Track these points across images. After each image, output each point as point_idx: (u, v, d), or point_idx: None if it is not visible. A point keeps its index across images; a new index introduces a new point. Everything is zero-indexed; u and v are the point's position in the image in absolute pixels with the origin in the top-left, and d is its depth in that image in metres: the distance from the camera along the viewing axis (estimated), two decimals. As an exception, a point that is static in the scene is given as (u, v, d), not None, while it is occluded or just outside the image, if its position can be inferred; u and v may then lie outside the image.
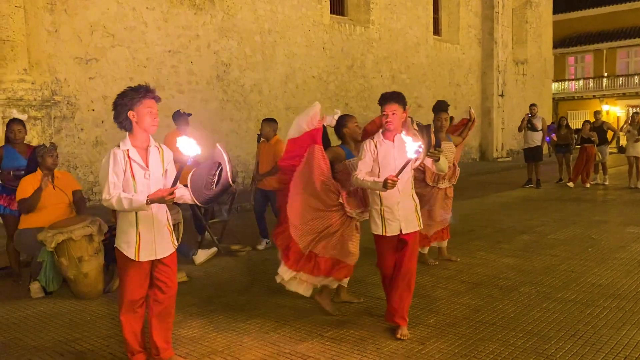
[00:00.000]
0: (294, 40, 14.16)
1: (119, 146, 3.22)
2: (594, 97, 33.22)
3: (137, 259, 3.24)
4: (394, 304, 3.86)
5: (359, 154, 3.94)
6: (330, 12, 15.34)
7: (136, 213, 3.21)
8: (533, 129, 11.84)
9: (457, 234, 7.13)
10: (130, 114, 3.17)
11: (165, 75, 11.58)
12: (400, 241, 3.86)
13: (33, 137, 8.96)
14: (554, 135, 13.27)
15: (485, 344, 3.70)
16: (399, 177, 3.48)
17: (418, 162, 3.82)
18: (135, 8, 11.02)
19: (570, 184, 12.24)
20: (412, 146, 3.29)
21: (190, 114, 7.19)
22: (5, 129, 8.94)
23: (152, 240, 3.27)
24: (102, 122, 10.53)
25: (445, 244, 5.95)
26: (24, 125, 5.90)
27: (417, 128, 4.07)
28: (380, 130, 3.86)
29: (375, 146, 3.81)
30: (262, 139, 7.02)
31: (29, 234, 4.98)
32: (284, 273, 4.19)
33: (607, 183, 12.40)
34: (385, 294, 4.04)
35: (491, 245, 6.60)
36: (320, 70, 14.87)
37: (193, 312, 4.44)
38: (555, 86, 33.53)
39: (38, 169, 5.17)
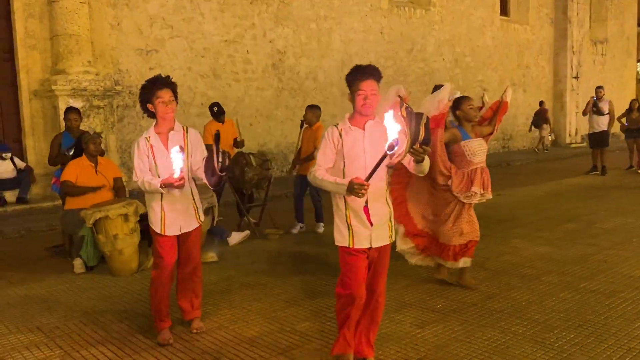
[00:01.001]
0: (350, 26, 14.13)
1: (143, 134, 3.65)
2: (686, 77, 30.67)
3: (163, 233, 3.60)
4: (361, 337, 3.17)
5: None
6: (391, -4, 15.18)
7: (161, 193, 3.56)
8: (599, 112, 11.22)
9: (498, 222, 6.99)
10: (148, 106, 3.54)
11: (221, 65, 11.96)
12: (370, 257, 3.05)
13: (96, 125, 9.59)
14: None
15: (485, 331, 3.66)
16: (369, 181, 2.70)
17: (397, 159, 2.77)
18: (192, 0, 11.44)
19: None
20: (391, 133, 2.56)
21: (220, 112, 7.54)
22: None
23: (177, 216, 3.63)
24: (162, 110, 11.05)
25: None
26: (80, 114, 6.42)
27: (405, 115, 2.61)
28: (347, 115, 3.04)
29: (340, 135, 2.97)
30: (305, 125, 7.16)
31: (72, 214, 5.42)
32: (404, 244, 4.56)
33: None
34: (345, 324, 3.08)
35: (530, 234, 6.40)
36: (378, 56, 14.75)
37: (211, 289, 4.68)
38: (642, 66, 31.33)
39: (83, 154, 5.59)
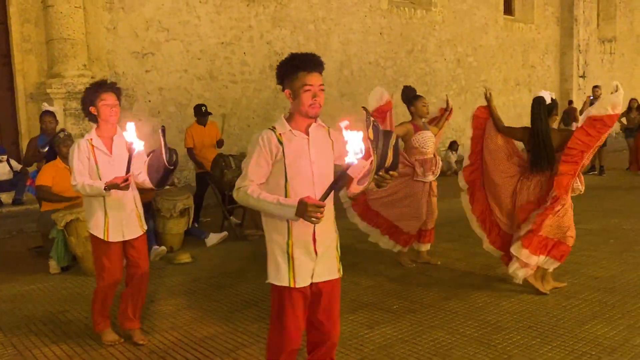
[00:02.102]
0: (349, 26, 14.14)
1: (84, 137, 3.58)
2: (702, 75, 30.10)
3: (106, 239, 3.53)
4: None
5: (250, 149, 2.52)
6: (390, -4, 15.17)
7: (104, 197, 3.50)
8: (596, 112, 11.08)
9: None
10: (91, 109, 3.51)
11: (218, 67, 12.04)
12: (315, 293, 2.53)
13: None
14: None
15: (433, 332, 3.67)
16: (325, 200, 2.21)
17: (361, 187, 2.31)
18: (188, 3, 11.54)
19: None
20: (353, 146, 2.03)
21: (207, 113, 7.60)
22: (66, 120, 9.86)
23: (119, 223, 3.54)
24: (159, 113, 11.18)
25: (427, 247, 5.37)
26: (55, 117, 6.50)
27: (372, 135, 2.17)
28: (284, 116, 2.51)
29: (280, 141, 2.41)
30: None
31: (48, 215, 5.51)
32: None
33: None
34: None
35: (509, 234, 6.36)
36: (378, 56, 14.75)
37: (176, 290, 4.75)
38: (656, 64, 30.84)
39: (57, 157, 5.69)
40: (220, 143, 7.51)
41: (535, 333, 3.59)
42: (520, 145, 4.64)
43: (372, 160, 2.16)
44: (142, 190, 3.86)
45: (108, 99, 3.47)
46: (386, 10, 14.90)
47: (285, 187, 2.41)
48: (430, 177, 5.11)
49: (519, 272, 4.29)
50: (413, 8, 15.70)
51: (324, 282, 2.50)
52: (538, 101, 4.35)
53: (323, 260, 2.48)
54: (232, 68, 12.22)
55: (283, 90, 2.48)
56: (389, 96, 5.10)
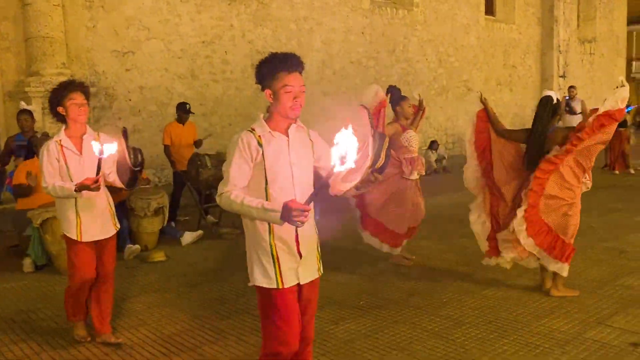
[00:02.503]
0: (331, 26, 14.23)
1: (53, 138, 3.56)
2: (681, 75, 30.64)
3: (79, 239, 3.53)
4: None
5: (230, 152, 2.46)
6: (372, -4, 15.28)
7: (75, 198, 3.49)
8: (571, 112, 11.31)
9: (451, 222, 7.07)
10: (59, 109, 3.49)
11: (199, 66, 12.06)
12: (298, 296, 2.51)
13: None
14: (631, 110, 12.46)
15: (396, 327, 3.77)
16: (310, 204, 2.12)
17: (347, 186, 2.26)
18: (169, 2, 11.53)
19: (617, 171, 11.59)
20: (341, 151, 1.90)
21: (190, 111, 7.65)
22: (44, 119, 9.83)
23: (93, 222, 3.55)
24: (139, 111, 11.17)
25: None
26: (31, 115, 6.52)
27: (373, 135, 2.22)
28: (263, 117, 2.44)
29: (259, 143, 2.36)
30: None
31: (24, 214, 5.54)
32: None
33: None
34: None
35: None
36: (360, 56, 14.85)
37: (148, 288, 4.81)
38: (636, 65, 31.32)
39: (35, 156, 5.71)
40: (198, 143, 7.55)
41: (493, 327, 3.71)
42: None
43: (366, 160, 2.11)
44: (115, 190, 3.91)
45: (76, 98, 3.45)
46: (368, 10, 15.01)
47: (266, 190, 2.37)
48: (415, 175, 5.22)
49: (510, 253, 4.31)
50: (395, 8, 15.82)
51: (307, 285, 2.48)
52: (544, 101, 4.33)
53: (306, 261, 2.46)
54: (213, 67, 12.25)
55: (262, 90, 2.42)
56: (384, 94, 5.14)
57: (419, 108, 5.46)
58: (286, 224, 2.16)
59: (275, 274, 2.38)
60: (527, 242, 4.20)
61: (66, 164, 3.47)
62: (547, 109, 4.29)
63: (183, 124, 7.52)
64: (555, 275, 4.26)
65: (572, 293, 4.29)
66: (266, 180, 2.36)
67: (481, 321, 3.82)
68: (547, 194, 4.17)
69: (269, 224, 2.35)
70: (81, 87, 3.56)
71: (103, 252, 3.64)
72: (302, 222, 2.10)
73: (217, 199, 2.40)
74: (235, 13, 12.50)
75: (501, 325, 3.73)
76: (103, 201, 3.63)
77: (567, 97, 11.36)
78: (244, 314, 4.11)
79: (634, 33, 31.48)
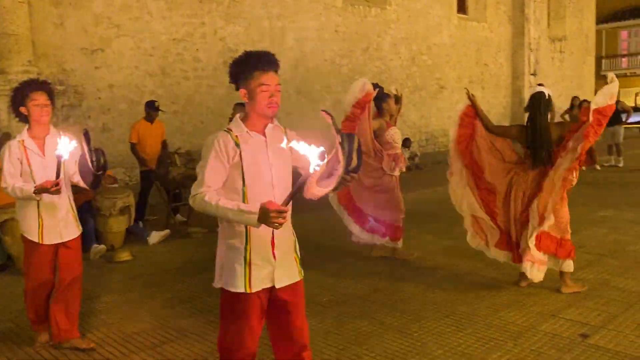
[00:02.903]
0: (304, 24, 14.24)
1: (16, 138, 3.49)
2: (648, 73, 31.37)
3: (41, 242, 3.47)
4: None
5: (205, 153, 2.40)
6: (346, -5, 15.32)
7: (37, 201, 3.42)
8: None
9: (421, 217, 7.16)
10: (21, 109, 3.43)
11: (170, 63, 11.97)
12: (274, 301, 2.42)
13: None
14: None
15: (356, 322, 3.83)
16: (288, 205, 2.13)
17: (326, 190, 2.18)
18: (139, -1, 11.44)
19: (583, 167, 11.83)
20: (313, 153, 1.96)
21: (159, 109, 7.57)
22: (10, 118, 9.65)
23: (55, 224, 3.49)
24: (109, 110, 11.05)
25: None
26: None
27: (339, 139, 2.14)
28: (239, 116, 2.40)
29: (237, 143, 2.30)
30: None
31: (-16, 214, 5.45)
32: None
33: (621, 165, 11.88)
34: None
35: (444, 228, 6.49)
36: (333, 54, 14.89)
37: (114, 288, 4.78)
38: (605, 63, 31.95)
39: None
40: (164, 144, 7.49)
41: (451, 321, 3.78)
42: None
43: (338, 163, 2.08)
44: (80, 189, 3.85)
45: (38, 98, 3.38)
46: (341, 9, 15.06)
47: (244, 191, 2.30)
48: (397, 172, 5.33)
49: (539, 273, 4.24)
50: (368, 6, 15.89)
51: (286, 288, 2.39)
52: (538, 96, 4.33)
53: (283, 264, 2.39)
54: (184, 64, 12.17)
55: (237, 89, 2.38)
56: (371, 88, 5.16)
57: (396, 103, 5.58)
58: (263, 225, 2.13)
59: (245, 278, 2.31)
60: (536, 253, 4.21)
61: (29, 165, 3.42)
62: (542, 105, 4.29)
63: (152, 123, 7.46)
64: (562, 273, 4.28)
65: (581, 288, 4.32)
66: (243, 181, 2.30)
67: (439, 315, 3.90)
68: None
69: (245, 227, 2.29)
70: (44, 87, 3.48)
71: (68, 255, 3.56)
72: (280, 224, 2.07)
73: (190, 201, 2.32)
74: (207, 10, 12.43)
75: (458, 320, 3.81)
76: (66, 203, 3.56)
77: None
78: (207, 313, 4.12)
79: (603, 32, 32.12)
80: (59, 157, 3.19)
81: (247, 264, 2.31)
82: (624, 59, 32.74)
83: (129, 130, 7.72)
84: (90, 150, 3.30)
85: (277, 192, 2.31)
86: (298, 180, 2.07)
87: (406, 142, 14.35)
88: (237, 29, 12.93)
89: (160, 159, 6.89)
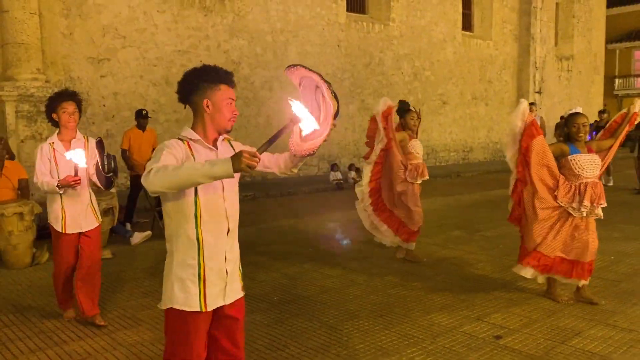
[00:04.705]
0: (307, 38, 14.67)
1: (47, 140, 4.09)
2: (662, 94, 31.20)
3: (64, 232, 4.03)
4: None
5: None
6: (350, 10, 15.72)
7: (61, 195, 3.97)
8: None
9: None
10: (53, 115, 4.02)
11: (174, 74, 12.45)
12: (218, 317, 2.41)
13: (44, 130, 10.11)
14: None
15: (295, 319, 4.16)
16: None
17: (318, 142, 2.24)
18: (146, 12, 11.98)
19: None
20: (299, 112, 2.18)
21: (148, 116, 8.02)
22: (17, 122, 10.19)
23: (76, 216, 4.05)
24: (113, 117, 11.59)
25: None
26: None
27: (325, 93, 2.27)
28: (191, 127, 2.37)
29: (191, 153, 2.30)
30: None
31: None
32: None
33: (610, 184, 12.01)
34: None
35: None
36: (335, 68, 15.28)
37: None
38: (619, 82, 31.89)
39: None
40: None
41: (382, 321, 4.09)
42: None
43: (329, 107, 2.15)
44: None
45: (68, 107, 3.96)
46: (344, 24, 15.46)
47: (196, 202, 2.26)
48: (419, 180, 5.83)
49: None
50: (371, 22, 16.28)
51: (231, 304, 2.38)
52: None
53: (232, 279, 2.37)
54: (188, 75, 12.67)
55: (194, 100, 2.33)
56: (391, 103, 5.79)
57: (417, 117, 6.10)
58: (216, 239, 2.25)
59: (200, 296, 2.27)
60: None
61: (56, 163, 4.00)
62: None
63: (143, 131, 7.89)
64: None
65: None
66: (196, 190, 2.25)
67: (373, 315, 4.20)
68: None
69: (198, 242, 2.26)
70: (74, 98, 4.04)
71: (88, 243, 4.11)
72: (253, 168, 2.02)
73: (144, 179, 2.11)
74: (212, 24, 12.94)
75: (390, 320, 4.11)
76: (86, 198, 4.11)
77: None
78: (145, 322, 4.48)
79: (617, 51, 32.09)
80: (75, 166, 3.82)
81: (202, 280, 2.27)
82: (637, 79, 32.62)
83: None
84: (102, 155, 3.88)
85: (228, 202, 2.34)
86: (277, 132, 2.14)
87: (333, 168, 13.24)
88: (240, 42, 13.41)
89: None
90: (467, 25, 19.25)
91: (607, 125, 4.89)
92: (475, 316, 4.16)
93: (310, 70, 2.26)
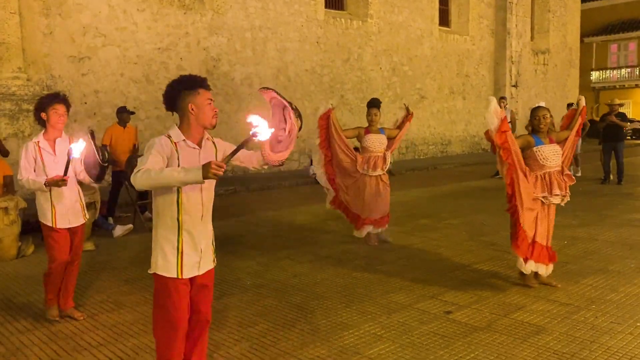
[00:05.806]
0: (286, 35, 14.94)
1: (32, 139, 4.27)
2: (637, 86, 31.94)
3: (54, 226, 4.21)
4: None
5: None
6: (328, 7, 16.03)
7: (50, 192, 4.16)
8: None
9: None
10: (42, 114, 4.19)
11: (154, 71, 12.71)
12: (194, 285, 2.84)
13: (26, 128, 10.32)
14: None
15: (266, 300, 4.51)
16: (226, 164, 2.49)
17: (287, 153, 2.77)
18: (126, 10, 12.18)
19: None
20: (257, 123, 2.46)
21: (133, 112, 8.27)
22: (-1, 120, 10.33)
23: (65, 212, 4.24)
24: (94, 114, 11.80)
25: (383, 229, 6.45)
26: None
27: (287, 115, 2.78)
28: (177, 126, 2.72)
29: (176, 149, 2.66)
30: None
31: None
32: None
33: (579, 174, 12.48)
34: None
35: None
36: (314, 64, 15.59)
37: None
38: (595, 75, 32.54)
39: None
40: (135, 150, 8.16)
41: (344, 300, 4.44)
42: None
43: (292, 125, 2.63)
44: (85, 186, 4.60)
45: (59, 108, 4.14)
46: (323, 21, 15.76)
47: (178, 198, 2.65)
48: (379, 172, 6.29)
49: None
50: (350, 19, 16.59)
51: (205, 274, 2.81)
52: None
53: (205, 254, 2.79)
54: (168, 72, 12.88)
55: (181, 106, 2.67)
56: (331, 107, 6.45)
57: (407, 113, 6.68)
58: (193, 219, 2.67)
59: (177, 265, 2.70)
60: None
61: (42, 162, 4.17)
62: None
63: (124, 127, 8.15)
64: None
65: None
66: (178, 188, 2.62)
67: (339, 296, 4.55)
68: None
69: (178, 221, 2.66)
70: (65, 101, 4.24)
71: (75, 237, 4.32)
72: (217, 176, 2.38)
73: (132, 178, 2.52)
74: (191, 22, 13.16)
75: (352, 299, 4.47)
76: (74, 195, 4.31)
77: None
78: (144, 292, 4.79)
79: (594, 44, 32.73)
80: (69, 153, 3.91)
81: (180, 253, 2.70)
82: (613, 72, 33.32)
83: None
84: (96, 146, 4.13)
85: (205, 196, 2.75)
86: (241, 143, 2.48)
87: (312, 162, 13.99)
88: (220, 40, 13.66)
89: (129, 160, 7.57)
90: (444, 20, 19.65)
91: (561, 120, 5.30)
92: (430, 295, 4.53)
93: (280, 94, 2.75)
